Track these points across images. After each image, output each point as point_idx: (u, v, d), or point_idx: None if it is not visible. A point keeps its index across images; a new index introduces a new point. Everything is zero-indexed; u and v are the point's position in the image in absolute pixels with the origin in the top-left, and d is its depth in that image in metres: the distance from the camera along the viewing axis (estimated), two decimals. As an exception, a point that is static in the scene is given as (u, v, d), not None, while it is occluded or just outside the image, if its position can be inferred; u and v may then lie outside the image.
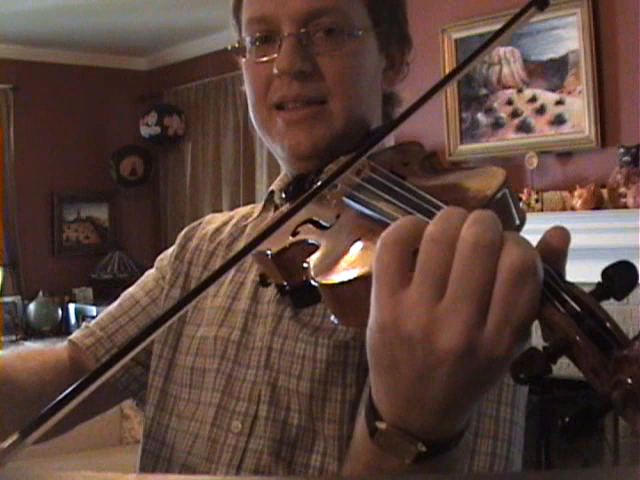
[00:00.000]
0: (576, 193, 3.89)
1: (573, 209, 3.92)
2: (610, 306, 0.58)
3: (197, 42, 6.36)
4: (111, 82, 6.83)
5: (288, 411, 0.96)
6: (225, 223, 1.17)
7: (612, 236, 3.71)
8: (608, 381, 0.53)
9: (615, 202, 3.79)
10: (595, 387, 0.55)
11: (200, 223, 1.21)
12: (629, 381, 0.52)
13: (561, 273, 0.60)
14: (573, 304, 0.57)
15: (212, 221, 1.20)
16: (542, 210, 3.99)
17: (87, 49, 6.61)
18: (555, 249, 0.61)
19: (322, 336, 0.95)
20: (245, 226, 1.14)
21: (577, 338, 0.55)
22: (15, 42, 6.26)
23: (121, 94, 6.87)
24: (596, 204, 3.84)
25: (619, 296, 0.58)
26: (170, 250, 1.19)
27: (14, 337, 6.09)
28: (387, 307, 0.60)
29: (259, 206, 1.14)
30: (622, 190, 3.76)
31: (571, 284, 0.59)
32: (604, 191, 3.85)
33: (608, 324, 0.56)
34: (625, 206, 3.74)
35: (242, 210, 1.20)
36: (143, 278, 1.20)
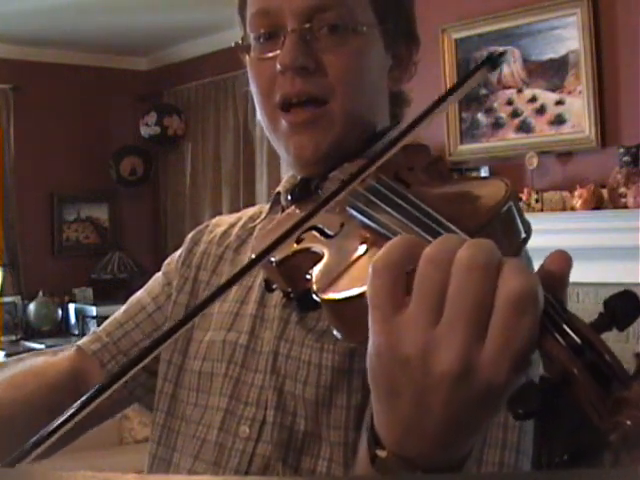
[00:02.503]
0: (576, 193, 3.89)
1: (573, 209, 3.92)
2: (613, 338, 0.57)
3: (197, 42, 6.35)
4: (111, 82, 6.83)
5: (295, 417, 0.95)
6: (233, 225, 1.16)
7: (612, 236, 3.70)
8: (607, 419, 0.53)
9: (615, 202, 3.79)
10: (593, 422, 0.54)
11: (207, 226, 1.19)
12: (628, 423, 0.51)
13: (562, 301, 0.59)
14: (573, 336, 0.56)
15: (219, 223, 1.19)
16: (542, 210, 3.99)
17: (87, 49, 6.61)
18: (556, 275, 0.59)
19: (327, 342, 0.95)
20: (253, 228, 1.13)
21: (576, 372, 0.55)
22: (15, 42, 6.25)
23: (121, 94, 6.86)
24: (596, 204, 3.83)
25: (621, 327, 0.57)
26: (177, 253, 1.18)
27: (14, 337, 6.08)
28: (382, 332, 0.59)
29: (266, 207, 1.14)
30: (622, 190, 3.76)
31: (572, 314, 0.58)
32: (604, 191, 3.85)
33: (608, 358, 0.55)
34: (625, 206, 3.74)
35: (249, 211, 1.19)
36: (150, 282, 1.19)
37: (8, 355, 5.45)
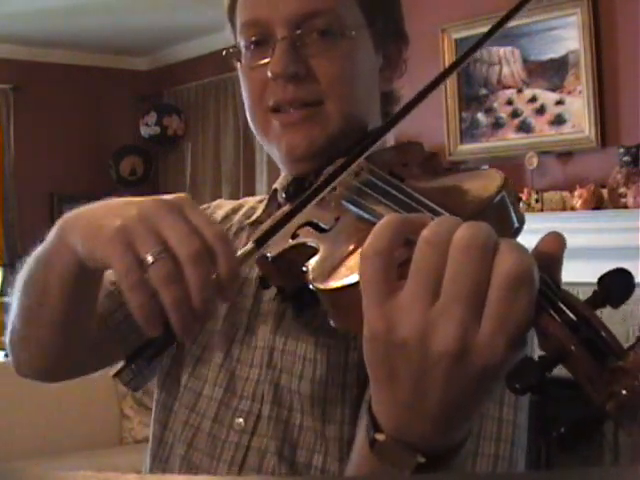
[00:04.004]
0: (576, 193, 3.90)
1: (573, 209, 3.92)
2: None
3: (197, 42, 6.36)
4: (111, 82, 6.84)
5: (290, 411, 0.96)
6: (235, 211, 1.16)
7: (612, 236, 3.71)
8: (603, 391, 0.53)
9: (615, 202, 3.79)
10: (591, 396, 0.55)
11: (208, 207, 1.19)
12: (624, 392, 0.52)
13: (556, 280, 0.59)
14: (569, 313, 0.56)
15: (221, 206, 1.19)
16: (542, 210, 3.99)
17: (87, 49, 6.61)
18: (550, 256, 0.60)
19: (323, 337, 0.95)
20: (252, 221, 1.13)
21: (572, 348, 0.55)
22: (15, 42, 6.26)
23: (121, 94, 6.87)
24: (596, 204, 3.84)
25: (615, 304, 0.57)
26: None
27: (14, 337, 6.08)
28: (377, 317, 0.60)
29: (265, 201, 1.14)
30: (622, 190, 3.76)
31: (566, 292, 0.58)
32: (604, 191, 3.86)
33: (604, 333, 0.55)
34: (625, 206, 3.75)
35: (251, 200, 1.19)
36: None
37: (8, 355, 5.46)
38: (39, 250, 0.91)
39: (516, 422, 0.89)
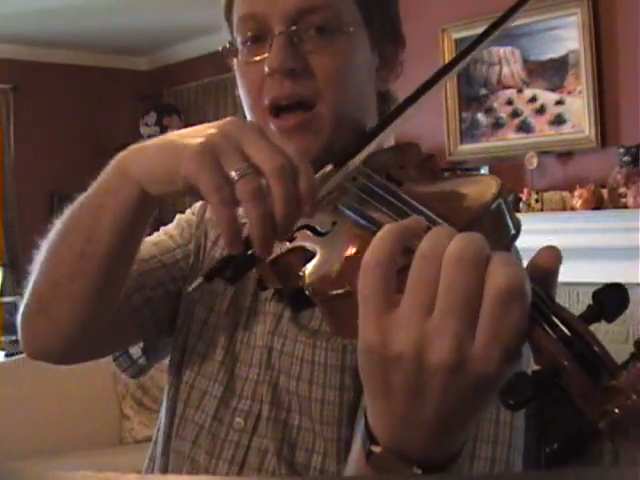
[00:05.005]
0: (576, 193, 3.90)
1: (573, 209, 3.92)
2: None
3: (197, 42, 6.36)
4: (111, 82, 6.84)
5: (289, 412, 0.97)
6: None
7: (612, 236, 3.70)
8: (596, 408, 0.53)
9: (615, 202, 3.79)
10: (584, 412, 0.55)
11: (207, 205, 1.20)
12: (616, 411, 0.52)
13: (551, 295, 0.59)
14: (562, 328, 0.57)
15: None
16: (542, 210, 3.99)
17: (87, 49, 6.61)
18: (546, 270, 0.60)
19: (320, 339, 0.96)
20: None
21: (565, 363, 0.55)
22: (15, 42, 6.26)
23: (121, 94, 6.87)
24: (596, 204, 3.84)
25: (610, 319, 0.57)
26: (189, 216, 1.17)
27: (14, 337, 6.09)
28: (373, 331, 0.60)
29: None
30: (622, 190, 3.76)
31: (561, 307, 0.58)
32: (604, 191, 3.86)
33: (597, 349, 0.55)
34: (625, 206, 3.74)
35: None
36: (166, 234, 1.16)
37: (8, 355, 5.46)
38: (83, 198, 0.91)
39: (513, 424, 0.89)
